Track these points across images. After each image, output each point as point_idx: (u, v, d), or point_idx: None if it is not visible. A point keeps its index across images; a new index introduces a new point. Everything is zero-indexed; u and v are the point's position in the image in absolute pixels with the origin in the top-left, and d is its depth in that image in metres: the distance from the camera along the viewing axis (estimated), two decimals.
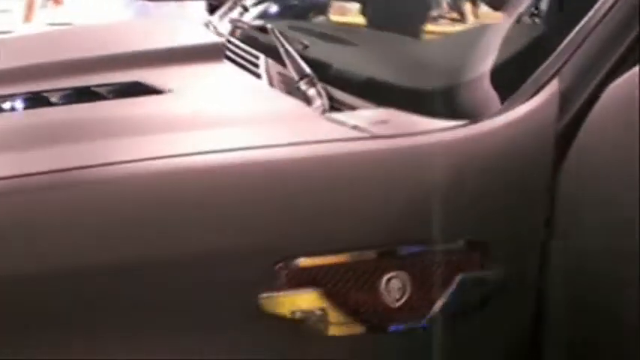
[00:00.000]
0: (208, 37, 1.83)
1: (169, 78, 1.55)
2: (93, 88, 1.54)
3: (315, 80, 1.38)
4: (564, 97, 1.18)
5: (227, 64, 1.68)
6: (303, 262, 1.07)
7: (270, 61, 1.58)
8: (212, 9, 2.72)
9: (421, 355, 1.12)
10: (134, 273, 1.04)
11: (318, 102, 1.34)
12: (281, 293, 1.06)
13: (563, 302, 1.15)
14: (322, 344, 1.08)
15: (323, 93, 1.35)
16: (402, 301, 1.10)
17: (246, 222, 1.08)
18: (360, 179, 1.14)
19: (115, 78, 1.58)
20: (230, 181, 1.11)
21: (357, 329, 1.09)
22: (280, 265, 1.06)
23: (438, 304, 1.11)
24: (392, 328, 1.10)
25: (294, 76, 1.42)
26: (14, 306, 1.02)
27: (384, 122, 1.23)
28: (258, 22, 1.79)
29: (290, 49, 1.49)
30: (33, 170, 1.11)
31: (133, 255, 1.04)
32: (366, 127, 1.21)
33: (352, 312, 1.09)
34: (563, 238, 1.14)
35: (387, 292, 1.09)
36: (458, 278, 1.11)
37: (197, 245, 1.06)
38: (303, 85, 1.38)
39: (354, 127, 1.22)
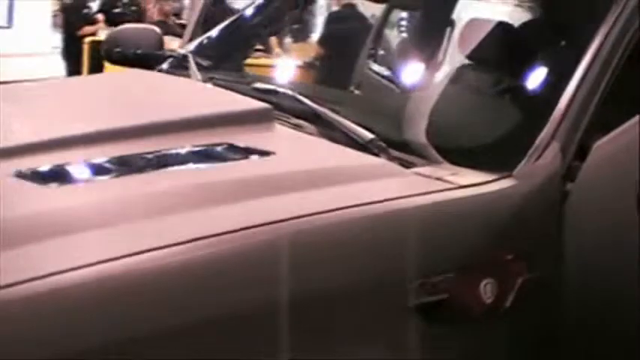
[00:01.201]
0: (253, 102, 1.93)
1: (253, 140, 1.74)
2: (194, 150, 1.70)
3: (379, 141, 1.72)
4: (562, 154, 1.63)
5: (279, 126, 1.86)
6: (434, 278, 1.48)
7: (320, 123, 1.85)
8: None
9: (504, 336, 1.56)
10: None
11: (385, 158, 1.69)
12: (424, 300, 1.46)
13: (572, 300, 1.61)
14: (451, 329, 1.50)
15: (387, 150, 1.71)
16: (492, 298, 1.51)
17: (400, 256, 1.47)
18: (459, 218, 1.55)
19: (193, 140, 1.72)
20: (389, 226, 1.49)
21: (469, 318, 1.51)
22: (421, 281, 1.46)
23: (509, 299, 1.53)
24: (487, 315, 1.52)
25: (360, 138, 1.73)
26: None
27: (455, 174, 1.62)
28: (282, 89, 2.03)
29: (341, 118, 1.81)
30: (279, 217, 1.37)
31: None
32: (448, 179, 1.59)
33: (466, 306, 1.49)
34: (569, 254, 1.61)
35: (484, 293, 1.50)
36: (519, 281, 1.54)
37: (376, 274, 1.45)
38: (372, 146, 1.71)
39: (439, 179, 1.59)
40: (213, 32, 2.81)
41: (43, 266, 1.22)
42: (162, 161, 1.64)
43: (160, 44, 3.00)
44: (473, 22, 2.37)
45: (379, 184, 1.57)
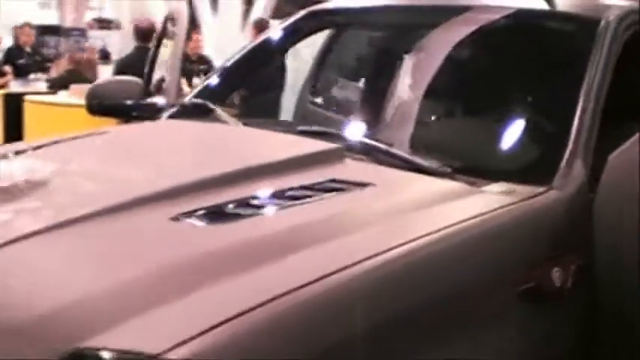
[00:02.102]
0: (324, 143, 2.23)
1: (344, 174, 2.07)
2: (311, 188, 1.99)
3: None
4: (584, 166, 2.13)
5: (350, 161, 2.18)
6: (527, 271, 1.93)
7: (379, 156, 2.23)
8: None
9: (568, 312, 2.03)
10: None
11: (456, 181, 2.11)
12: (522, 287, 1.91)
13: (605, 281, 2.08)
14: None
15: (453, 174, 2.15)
16: (559, 282, 1.97)
17: (508, 256, 1.94)
18: (533, 222, 2.03)
19: (290, 180, 2.00)
20: (496, 234, 1.93)
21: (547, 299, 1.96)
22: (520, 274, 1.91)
23: (569, 282, 2.00)
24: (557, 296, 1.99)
25: (429, 166, 2.14)
26: None
27: (512, 191, 2.07)
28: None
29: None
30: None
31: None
32: (511, 195, 2.03)
33: (546, 290, 1.95)
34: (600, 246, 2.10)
35: (555, 278, 1.97)
36: (573, 267, 2.01)
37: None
38: (441, 171, 2.14)
39: (503, 194, 2.04)
40: (213, 79, 3.14)
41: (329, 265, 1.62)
42: (294, 196, 1.94)
43: (143, 95, 3.27)
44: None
45: (470, 201, 2.00)
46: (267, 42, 3.23)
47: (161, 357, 1.38)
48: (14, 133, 6.97)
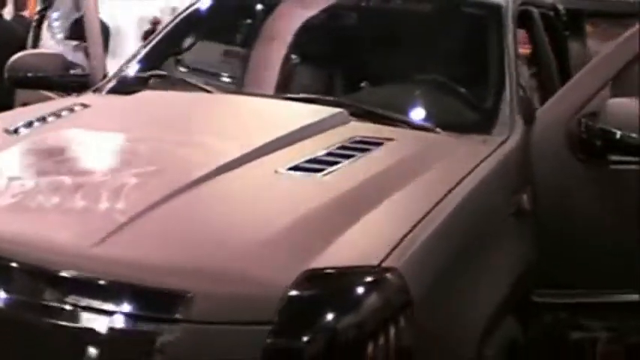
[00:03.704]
0: (330, 109, 2.71)
1: (360, 134, 2.57)
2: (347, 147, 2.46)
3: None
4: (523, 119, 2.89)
5: (354, 122, 2.66)
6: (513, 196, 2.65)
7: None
8: None
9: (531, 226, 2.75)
10: None
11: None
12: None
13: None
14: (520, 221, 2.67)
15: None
16: (528, 205, 2.74)
17: (509, 184, 2.66)
18: (513, 161, 2.68)
19: (319, 143, 2.45)
20: (502, 168, 2.62)
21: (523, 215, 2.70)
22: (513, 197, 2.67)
23: (531, 206, 2.76)
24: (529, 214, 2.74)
25: (421, 124, 2.77)
26: None
27: (485, 140, 2.74)
28: None
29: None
30: None
31: None
32: (488, 144, 2.68)
33: (524, 211, 2.68)
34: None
35: (524, 202, 2.72)
36: (531, 194, 2.78)
37: None
38: (429, 127, 2.75)
39: (481, 142, 2.71)
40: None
41: None
42: (342, 154, 2.40)
43: (64, 68, 3.53)
44: None
45: (470, 149, 2.64)
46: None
47: (381, 266, 1.89)
48: None
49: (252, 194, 2.21)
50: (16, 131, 2.71)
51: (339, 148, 2.48)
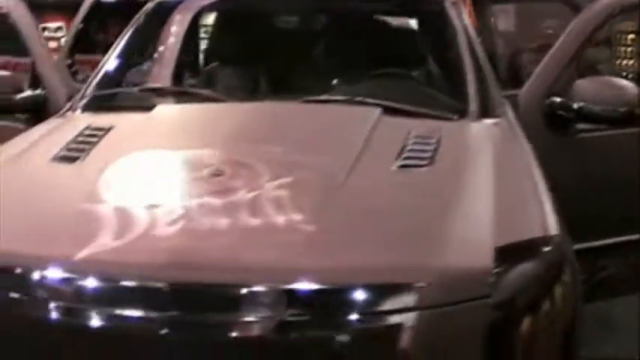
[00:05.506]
0: (366, 108, 2.88)
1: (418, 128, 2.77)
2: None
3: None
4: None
5: (389, 118, 2.81)
6: None
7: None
8: None
9: None
10: None
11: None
12: None
13: None
14: None
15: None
16: None
17: None
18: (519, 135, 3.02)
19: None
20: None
21: None
22: None
23: None
24: None
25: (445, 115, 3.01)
26: None
27: (497, 123, 3.07)
28: None
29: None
30: None
31: None
32: (502, 125, 3.03)
33: None
34: None
35: None
36: None
37: None
38: (450, 117, 3.02)
39: (497, 125, 3.05)
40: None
41: None
42: (425, 148, 2.62)
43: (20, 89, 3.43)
44: None
45: (499, 131, 2.97)
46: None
47: (552, 234, 2.22)
48: None
49: (395, 190, 2.40)
50: (69, 159, 2.62)
51: (414, 143, 2.68)
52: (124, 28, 3.65)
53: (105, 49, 3.87)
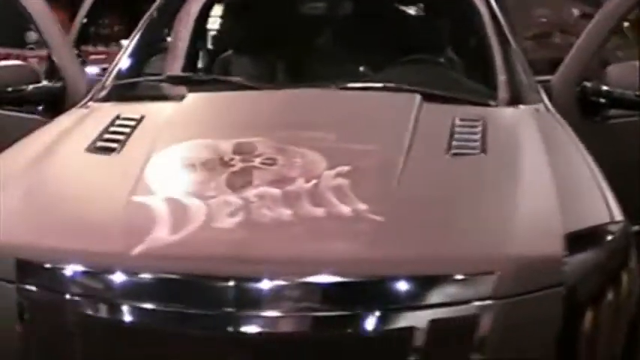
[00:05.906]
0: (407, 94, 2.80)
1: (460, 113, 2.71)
2: None
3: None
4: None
5: (428, 104, 2.73)
6: None
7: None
8: None
9: None
10: None
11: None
12: None
13: None
14: None
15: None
16: None
17: None
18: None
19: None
20: None
21: None
22: None
23: None
24: None
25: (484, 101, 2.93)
26: None
27: (538, 109, 3.00)
28: None
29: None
30: None
31: None
32: (542, 112, 2.97)
33: None
34: None
35: None
36: None
37: None
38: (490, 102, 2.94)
39: (538, 110, 2.98)
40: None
41: None
42: (473, 133, 2.59)
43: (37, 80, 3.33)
44: None
45: (542, 116, 2.92)
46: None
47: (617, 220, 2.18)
48: None
49: (454, 178, 2.34)
50: (106, 150, 2.52)
51: (461, 129, 2.61)
52: (128, 20, 3.56)
53: (109, 41, 3.78)
